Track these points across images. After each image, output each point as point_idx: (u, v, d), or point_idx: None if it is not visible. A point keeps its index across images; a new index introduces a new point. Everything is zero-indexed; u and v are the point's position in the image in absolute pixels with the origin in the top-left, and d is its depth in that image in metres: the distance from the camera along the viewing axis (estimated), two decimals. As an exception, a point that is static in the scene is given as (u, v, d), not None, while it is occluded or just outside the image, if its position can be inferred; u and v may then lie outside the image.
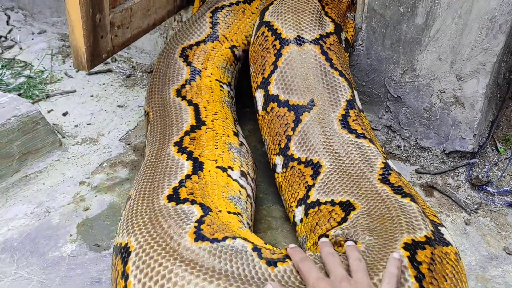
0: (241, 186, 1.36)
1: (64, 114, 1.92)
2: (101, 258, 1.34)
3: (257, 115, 1.56)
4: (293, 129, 1.40)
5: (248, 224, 1.29)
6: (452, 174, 1.72)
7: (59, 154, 1.70)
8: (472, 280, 1.33)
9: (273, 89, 1.47)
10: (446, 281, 1.03)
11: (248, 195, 1.36)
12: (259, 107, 1.53)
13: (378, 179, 1.25)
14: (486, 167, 1.74)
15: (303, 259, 0.96)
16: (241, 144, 1.50)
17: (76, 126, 1.86)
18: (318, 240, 1.22)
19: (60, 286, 1.25)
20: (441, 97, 1.71)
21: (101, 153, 1.73)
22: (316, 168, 1.32)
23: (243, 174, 1.39)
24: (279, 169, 1.44)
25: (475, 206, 1.59)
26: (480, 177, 1.69)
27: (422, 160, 1.78)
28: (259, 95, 1.53)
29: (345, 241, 1.07)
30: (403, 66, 1.73)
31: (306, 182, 1.32)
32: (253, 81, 1.60)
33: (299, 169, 1.36)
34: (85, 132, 1.83)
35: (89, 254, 1.35)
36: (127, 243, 1.10)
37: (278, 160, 1.44)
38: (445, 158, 1.77)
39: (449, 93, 1.69)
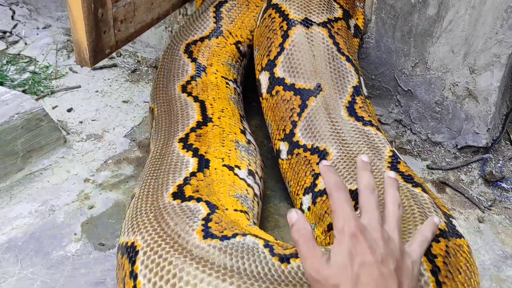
0: (248, 185, 1.32)
1: (69, 110, 1.90)
2: (105, 258, 1.31)
3: (261, 98, 1.52)
4: (299, 115, 1.36)
5: (254, 223, 1.26)
6: (464, 169, 1.67)
7: (63, 151, 1.68)
8: (486, 280, 1.29)
9: (279, 72, 1.43)
10: (461, 274, 1.00)
11: (255, 194, 1.33)
12: (263, 90, 1.49)
13: (387, 167, 1.21)
14: (500, 162, 1.69)
15: (338, 184, 0.75)
16: (249, 142, 1.46)
17: (81, 122, 1.84)
18: (327, 228, 1.18)
19: (64, 286, 1.23)
20: (453, 90, 1.66)
21: (106, 150, 1.71)
22: (322, 155, 1.28)
23: (250, 173, 1.35)
24: (283, 155, 1.40)
25: (489, 203, 1.54)
26: (494, 172, 1.64)
27: (434, 155, 1.73)
28: (263, 78, 1.49)
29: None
30: (414, 58, 1.68)
31: (313, 170, 1.29)
32: (257, 63, 1.56)
33: (305, 156, 1.32)
34: (90, 129, 1.81)
35: (93, 254, 1.33)
36: (133, 242, 1.08)
37: (283, 146, 1.40)
38: (457, 153, 1.72)
39: (461, 86, 1.64)
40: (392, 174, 0.82)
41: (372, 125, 1.32)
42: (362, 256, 0.70)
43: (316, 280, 0.72)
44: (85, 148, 1.71)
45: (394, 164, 1.22)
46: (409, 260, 0.75)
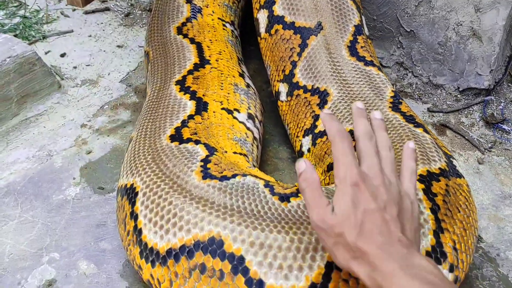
0: (248, 129, 1.30)
1: (62, 55, 1.85)
2: (105, 201, 1.32)
3: (259, 38, 1.47)
4: (299, 54, 1.32)
5: (254, 166, 1.25)
6: (466, 112, 1.65)
7: (58, 96, 1.65)
8: (484, 220, 1.30)
9: (278, 9, 1.37)
10: (460, 212, 1.01)
11: (254, 138, 1.32)
12: (262, 29, 1.44)
13: (389, 107, 1.19)
14: (502, 104, 1.67)
15: (341, 132, 0.73)
16: (248, 85, 1.43)
17: (75, 67, 1.79)
18: (327, 169, 1.18)
19: (65, 229, 1.24)
20: (457, 30, 1.61)
21: (102, 95, 1.68)
22: (323, 96, 1.26)
23: (250, 116, 1.33)
24: (283, 97, 1.38)
25: (489, 145, 1.54)
26: (495, 115, 1.63)
27: (435, 98, 1.71)
28: (262, 16, 1.43)
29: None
30: (417, -3, 1.62)
31: (313, 111, 1.27)
32: (255, 1, 1.50)
33: (305, 97, 1.29)
34: (84, 74, 1.77)
35: (93, 197, 1.33)
36: (132, 183, 1.08)
37: (282, 88, 1.37)
38: (459, 95, 1.70)
39: (466, 26, 1.59)
40: (378, 114, 0.81)
41: (373, 65, 1.28)
42: (364, 205, 0.70)
43: (321, 229, 0.72)
44: (80, 93, 1.68)
45: (395, 105, 1.20)
46: (408, 201, 0.75)
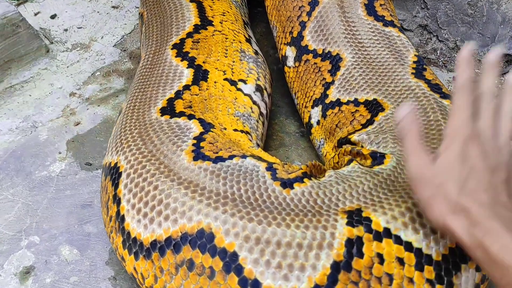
0: (254, 103, 1.15)
1: (52, 16, 1.70)
2: (92, 178, 1.20)
3: None
4: (309, 14, 1.16)
5: (258, 145, 1.11)
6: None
7: (46, 62, 1.52)
8: None
9: None
10: None
11: (260, 113, 1.17)
12: None
13: (411, 73, 1.04)
14: (538, 73, 1.50)
15: (467, 84, 0.70)
16: (256, 52, 1.27)
17: (65, 30, 1.65)
18: (337, 144, 1.04)
19: (47, 209, 1.13)
20: (491, -12, 1.42)
21: (94, 61, 1.54)
22: (335, 61, 1.10)
23: (258, 88, 1.18)
24: (290, 62, 1.22)
25: (522, 119, 1.37)
26: (529, 85, 1.45)
27: (462, 66, 1.54)
28: None
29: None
30: (447, -50, 1.42)
31: (324, 78, 1.12)
32: None
33: (315, 63, 1.14)
34: (75, 37, 1.62)
35: (80, 174, 1.21)
36: (117, 162, 0.95)
37: (289, 52, 1.21)
38: (489, 63, 1.52)
39: (501, -17, 1.40)
40: None
41: (394, 25, 1.12)
42: (473, 161, 0.66)
43: (418, 179, 0.69)
44: (70, 58, 1.54)
45: (419, 71, 1.04)
46: None
